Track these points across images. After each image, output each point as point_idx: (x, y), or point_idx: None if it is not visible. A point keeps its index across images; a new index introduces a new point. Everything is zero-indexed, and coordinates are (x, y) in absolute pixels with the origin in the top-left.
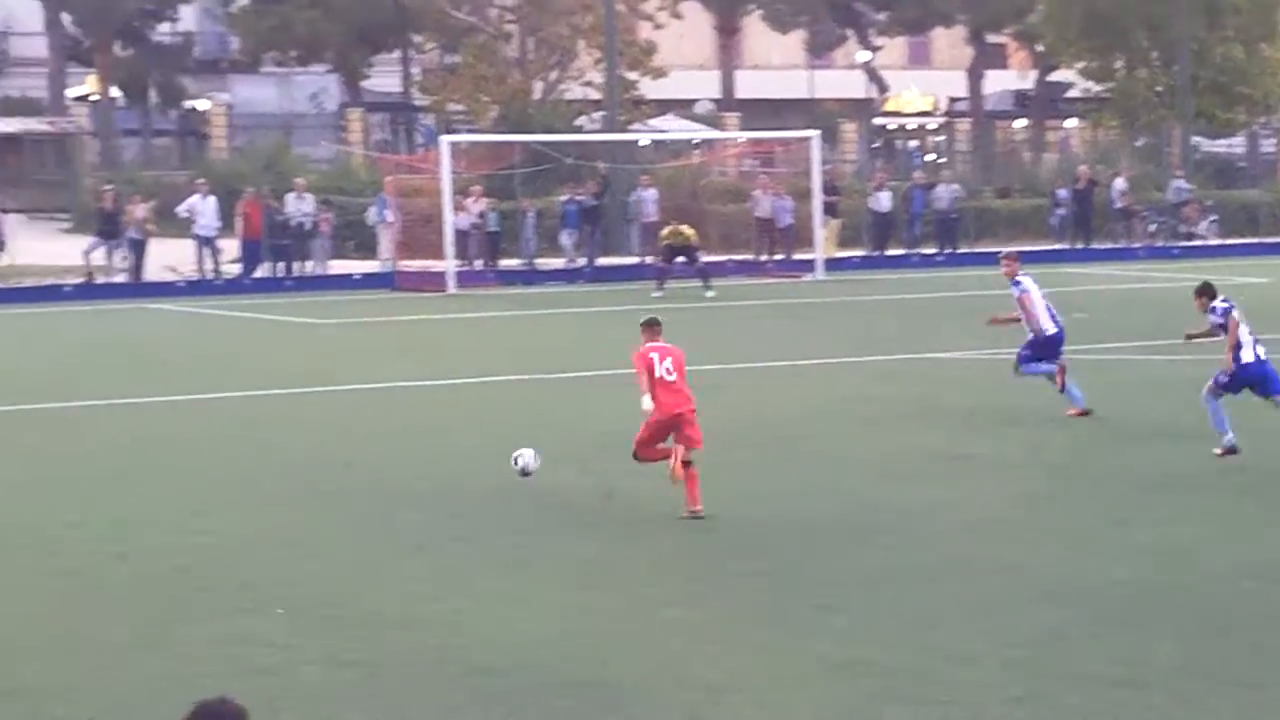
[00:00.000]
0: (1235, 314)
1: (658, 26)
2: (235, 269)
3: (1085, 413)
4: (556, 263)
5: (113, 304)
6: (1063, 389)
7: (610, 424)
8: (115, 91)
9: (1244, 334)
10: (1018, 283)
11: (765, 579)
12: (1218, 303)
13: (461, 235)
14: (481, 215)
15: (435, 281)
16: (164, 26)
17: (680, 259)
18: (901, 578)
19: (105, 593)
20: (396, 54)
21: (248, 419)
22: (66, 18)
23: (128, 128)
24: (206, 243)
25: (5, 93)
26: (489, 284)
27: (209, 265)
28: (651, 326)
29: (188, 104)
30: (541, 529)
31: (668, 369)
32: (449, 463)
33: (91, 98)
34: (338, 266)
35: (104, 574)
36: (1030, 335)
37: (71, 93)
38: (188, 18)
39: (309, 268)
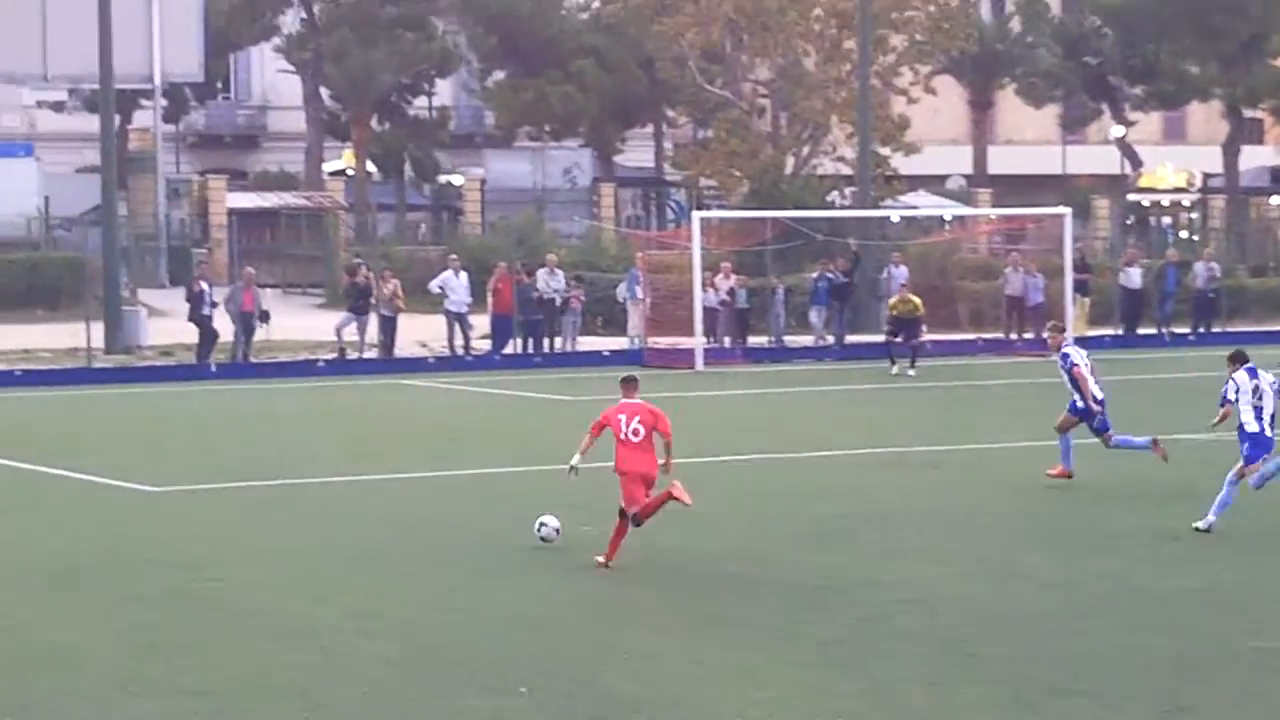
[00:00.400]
0: (1230, 391)
1: (911, 101)
2: (485, 345)
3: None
4: (805, 340)
5: (364, 379)
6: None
7: (846, 505)
8: (370, 166)
9: (1244, 405)
10: (1065, 355)
11: (1009, 664)
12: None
13: (710, 312)
14: (730, 292)
15: (683, 359)
16: (420, 101)
17: (902, 336)
18: (1151, 663)
19: (350, 670)
20: (649, 128)
21: (495, 496)
22: (325, 92)
23: (382, 202)
24: (458, 318)
25: (263, 167)
26: (737, 361)
27: (459, 341)
28: (628, 383)
29: (442, 179)
30: (785, 610)
31: (634, 430)
32: (691, 541)
33: (347, 172)
34: (585, 343)
35: (350, 650)
36: (1074, 402)
37: (328, 167)
38: (444, 92)
39: (558, 344)
